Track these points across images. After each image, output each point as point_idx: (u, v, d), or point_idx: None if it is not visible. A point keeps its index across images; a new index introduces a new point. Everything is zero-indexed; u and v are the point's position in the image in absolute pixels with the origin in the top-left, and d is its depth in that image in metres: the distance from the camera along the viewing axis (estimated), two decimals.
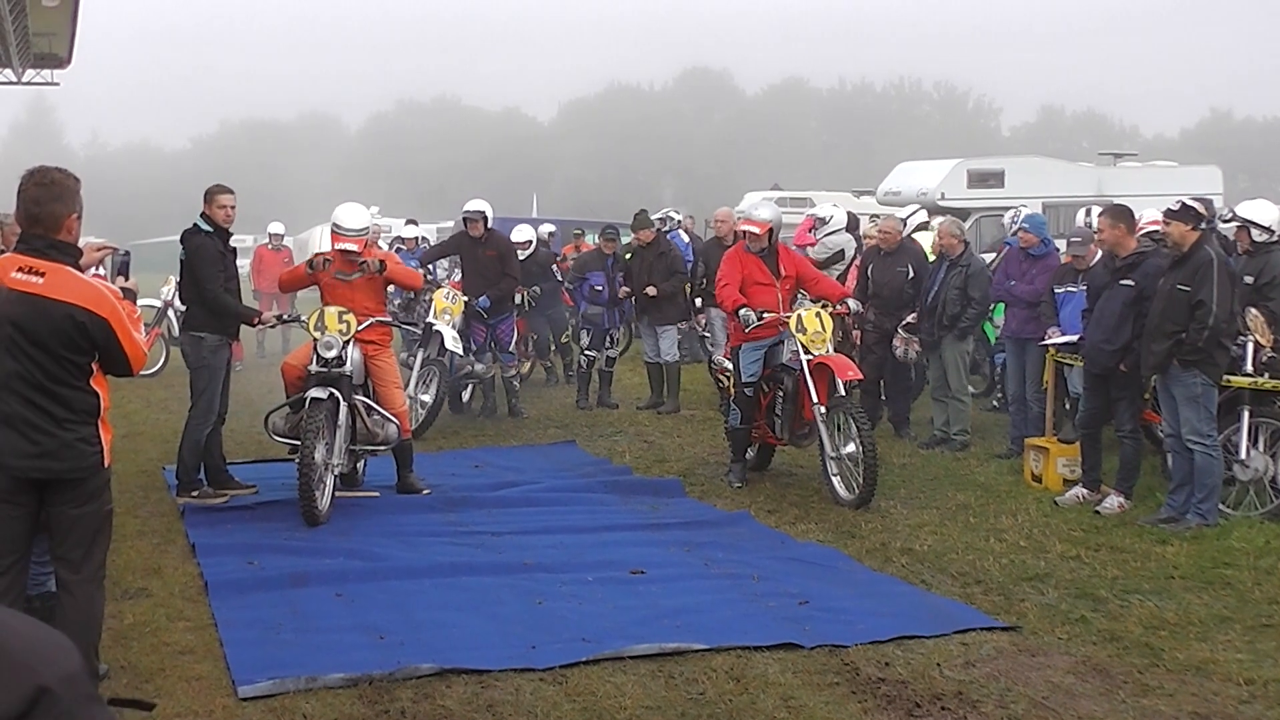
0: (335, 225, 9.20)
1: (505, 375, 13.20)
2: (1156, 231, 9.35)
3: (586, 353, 14.07)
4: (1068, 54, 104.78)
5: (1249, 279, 8.78)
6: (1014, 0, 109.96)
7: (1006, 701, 5.33)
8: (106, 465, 4.99)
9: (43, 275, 4.68)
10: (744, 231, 9.90)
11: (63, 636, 1.24)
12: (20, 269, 4.65)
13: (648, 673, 5.67)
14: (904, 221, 13.96)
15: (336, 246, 9.16)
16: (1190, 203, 8.37)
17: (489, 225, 12.73)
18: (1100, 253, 9.47)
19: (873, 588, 7.03)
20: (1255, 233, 8.97)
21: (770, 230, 9.74)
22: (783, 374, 9.65)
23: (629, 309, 14.47)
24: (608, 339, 14.05)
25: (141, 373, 15.58)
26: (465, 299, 12.33)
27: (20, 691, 1.11)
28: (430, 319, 12.02)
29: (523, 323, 14.09)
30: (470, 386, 13.37)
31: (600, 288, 14.01)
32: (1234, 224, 9.22)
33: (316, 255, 9.51)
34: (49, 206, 4.77)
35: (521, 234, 15.05)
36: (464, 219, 12.79)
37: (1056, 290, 10.04)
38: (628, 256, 13.95)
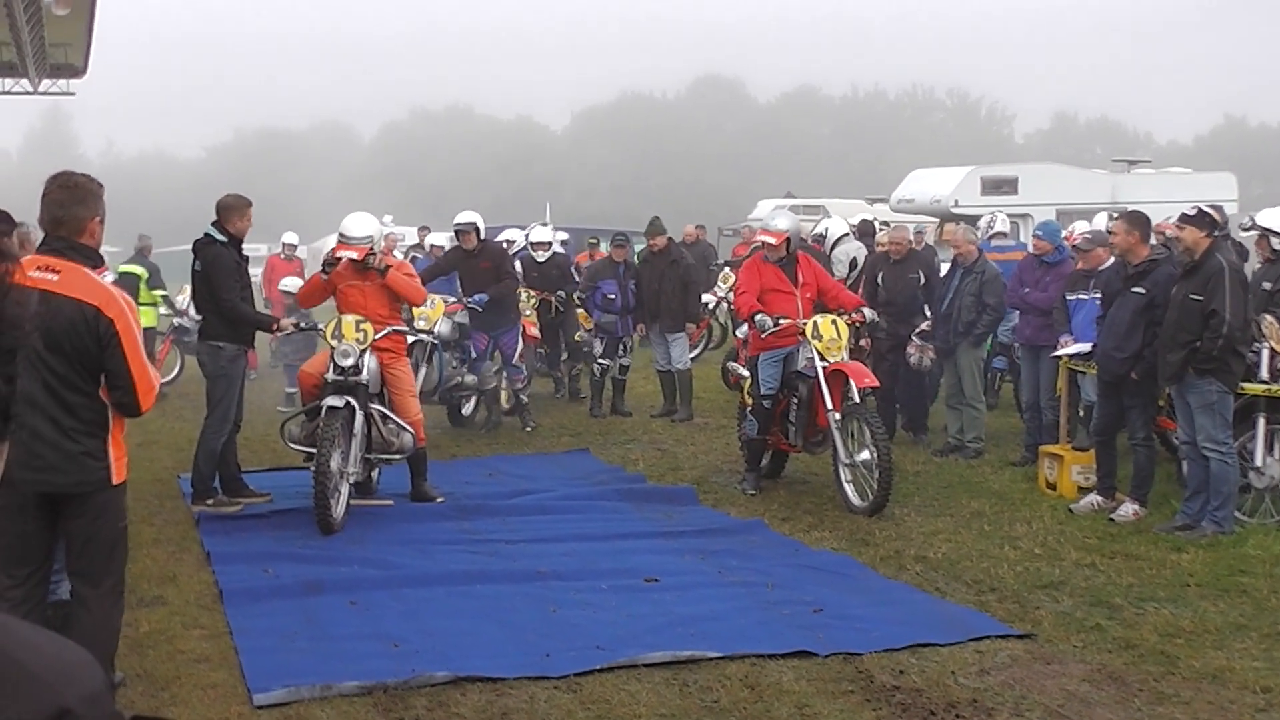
0: (340, 233, 9.26)
1: (514, 389, 12.88)
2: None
3: (600, 361, 14.07)
4: (1081, 60, 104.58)
5: (1266, 285, 8.75)
6: (1027, 7, 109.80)
7: (1021, 709, 5.33)
8: (118, 482, 4.90)
9: (58, 273, 4.68)
10: (761, 242, 9.92)
11: (85, 654, 1.23)
12: (38, 267, 4.65)
13: (662, 680, 5.67)
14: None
15: (337, 254, 9.21)
16: (1206, 209, 8.35)
17: (481, 236, 12.51)
18: (1111, 258, 9.47)
19: (887, 595, 7.03)
20: (1275, 241, 8.94)
21: (787, 240, 9.79)
22: (797, 381, 9.66)
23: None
24: (621, 347, 14.06)
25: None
26: (452, 299, 12.13)
27: (42, 712, 1.10)
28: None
29: (533, 327, 13.64)
30: (473, 399, 13.08)
31: (613, 296, 14.01)
32: (1254, 232, 9.18)
33: (327, 255, 9.50)
34: (72, 209, 4.80)
35: (540, 234, 14.70)
36: (456, 232, 12.58)
37: (1069, 298, 10.02)
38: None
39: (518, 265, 14.23)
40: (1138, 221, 8.80)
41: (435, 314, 11.65)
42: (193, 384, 14.14)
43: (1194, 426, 8.15)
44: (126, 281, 15.17)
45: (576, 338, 14.80)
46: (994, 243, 13.64)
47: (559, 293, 14.27)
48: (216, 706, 5.40)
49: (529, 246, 14.64)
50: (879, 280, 11.81)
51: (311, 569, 7.51)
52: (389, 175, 79.40)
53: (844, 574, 7.48)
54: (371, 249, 9.16)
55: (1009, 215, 16.42)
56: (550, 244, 14.67)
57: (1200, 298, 7.97)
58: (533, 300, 13.76)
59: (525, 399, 13.01)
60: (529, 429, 12.69)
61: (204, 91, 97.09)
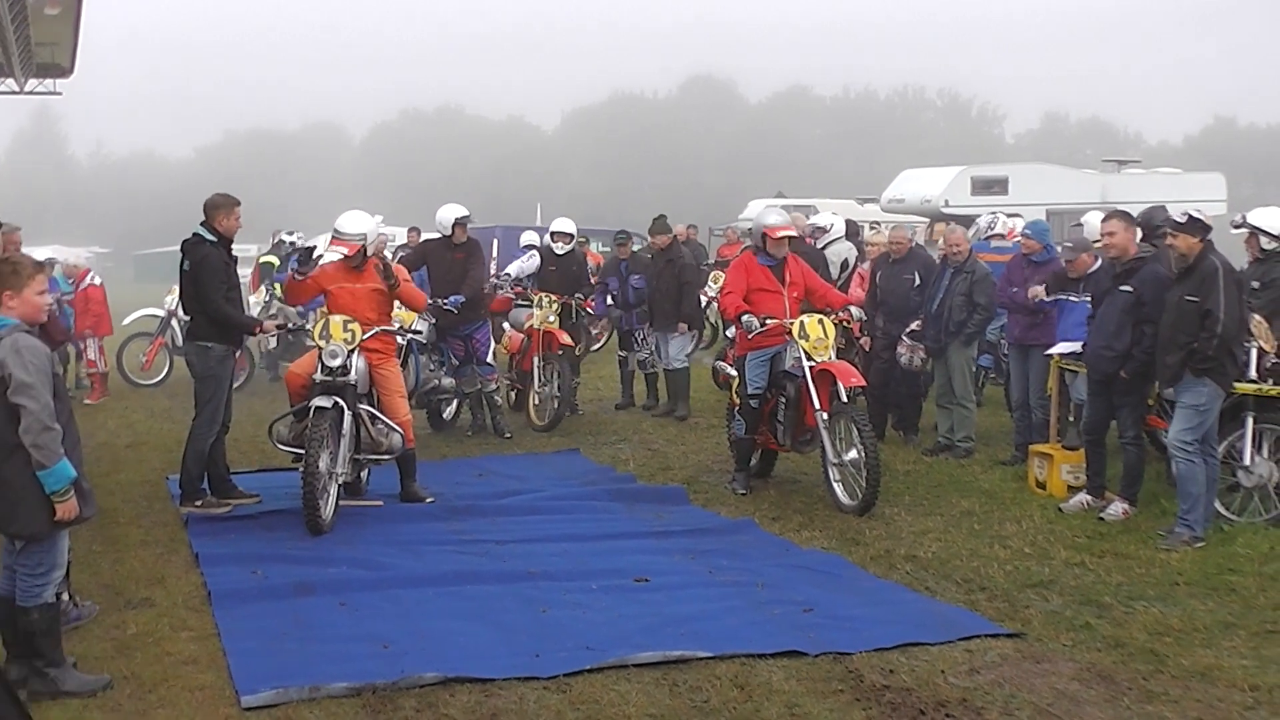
0: (335, 229, 9.21)
1: (485, 390, 12.39)
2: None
3: (619, 352, 14.45)
4: (1072, 61, 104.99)
5: (1255, 285, 8.78)
6: (1018, 7, 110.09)
7: (1011, 709, 5.33)
8: None
9: None
10: (781, 237, 9.76)
11: None
12: None
13: (652, 681, 5.67)
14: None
15: (331, 248, 9.19)
16: (1195, 214, 8.36)
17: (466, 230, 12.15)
18: (1096, 262, 9.51)
19: (877, 595, 7.03)
20: (1264, 240, 8.97)
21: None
22: (785, 381, 9.66)
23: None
24: (635, 340, 14.20)
25: (146, 382, 15.39)
26: (429, 302, 11.49)
27: None
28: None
29: (564, 336, 12.88)
30: (454, 403, 12.82)
31: (615, 292, 14.34)
32: (1244, 230, 9.21)
33: (298, 254, 9.52)
34: None
35: (562, 225, 13.95)
36: (452, 225, 12.09)
37: (1059, 298, 10.03)
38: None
39: (536, 259, 13.99)
40: (1133, 220, 8.90)
41: (409, 318, 11.19)
42: (181, 385, 14.11)
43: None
44: (265, 270, 15.31)
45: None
46: (993, 244, 13.67)
47: (576, 295, 13.74)
48: (204, 708, 5.38)
49: (550, 237, 14.04)
50: (877, 279, 11.83)
51: (300, 570, 7.48)
52: (380, 176, 79.37)
53: (834, 573, 7.48)
54: (363, 247, 9.12)
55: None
56: (572, 235, 13.92)
57: (1196, 299, 7.99)
58: (554, 305, 13.02)
59: (499, 400, 12.64)
60: (507, 436, 12.38)
61: (194, 92, 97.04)
